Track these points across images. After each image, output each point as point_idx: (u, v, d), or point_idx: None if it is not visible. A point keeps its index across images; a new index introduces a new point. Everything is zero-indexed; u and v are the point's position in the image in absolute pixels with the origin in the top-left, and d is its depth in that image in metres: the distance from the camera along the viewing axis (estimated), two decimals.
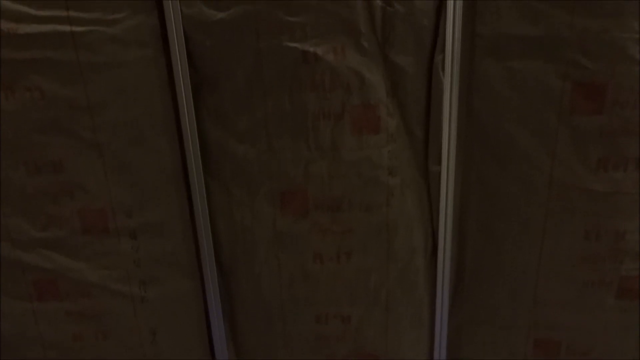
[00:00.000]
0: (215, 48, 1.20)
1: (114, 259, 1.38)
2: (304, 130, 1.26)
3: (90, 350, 1.48)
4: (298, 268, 1.41)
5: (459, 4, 1.18)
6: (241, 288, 1.47)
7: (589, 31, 1.14)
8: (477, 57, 1.24)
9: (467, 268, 1.46)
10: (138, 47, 1.20)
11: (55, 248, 1.36)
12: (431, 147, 1.32)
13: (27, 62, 1.18)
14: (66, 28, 1.15)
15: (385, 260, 1.40)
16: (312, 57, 1.19)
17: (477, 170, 1.34)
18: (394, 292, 1.45)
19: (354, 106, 1.24)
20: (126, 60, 1.20)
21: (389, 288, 1.44)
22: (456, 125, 1.29)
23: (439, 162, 1.32)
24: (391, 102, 1.26)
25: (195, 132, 1.28)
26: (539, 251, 1.37)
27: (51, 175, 1.29)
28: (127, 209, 1.34)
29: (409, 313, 1.47)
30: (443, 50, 1.21)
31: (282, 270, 1.42)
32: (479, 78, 1.25)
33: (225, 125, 1.28)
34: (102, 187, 1.31)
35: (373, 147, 1.29)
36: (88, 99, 1.23)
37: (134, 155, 1.29)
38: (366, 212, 1.35)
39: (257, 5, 1.15)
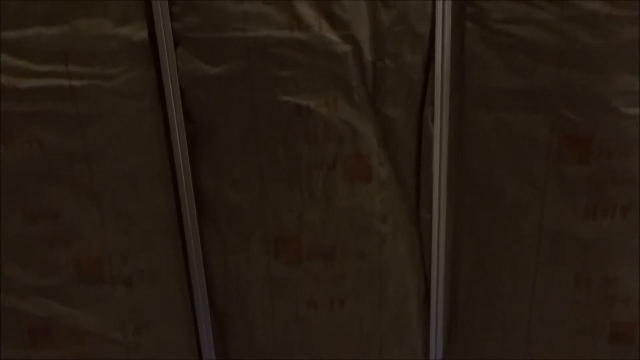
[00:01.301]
0: (211, 101, 1.23)
1: (109, 306, 1.38)
2: (297, 179, 1.28)
3: None
4: (292, 314, 1.42)
5: (447, 59, 1.22)
6: (235, 333, 1.47)
7: (574, 85, 1.17)
8: (466, 108, 1.27)
9: (459, 313, 1.47)
10: (135, 99, 1.23)
11: (50, 296, 1.36)
12: (422, 195, 1.34)
13: (27, 115, 1.20)
14: (65, 82, 1.18)
15: (378, 307, 1.41)
16: (305, 110, 1.22)
17: (468, 217, 1.37)
18: (387, 338, 1.45)
19: (347, 156, 1.27)
20: (123, 111, 1.23)
21: (382, 334, 1.44)
22: (446, 174, 1.32)
23: (430, 210, 1.34)
24: (383, 152, 1.29)
25: (190, 181, 1.30)
26: (531, 297, 1.38)
27: (47, 224, 1.30)
28: (122, 256, 1.35)
29: (402, 359, 1.48)
30: (432, 103, 1.25)
31: (275, 316, 1.42)
32: (469, 128, 1.29)
33: (220, 173, 1.30)
34: (98, 234, 1.33)
35: (365, 196, 1.31)
36: (86, 149, 1.25)
37: (130, 203, 1.30)
38: (359, 258, 1.37)
39: (251, 61, 1.18)
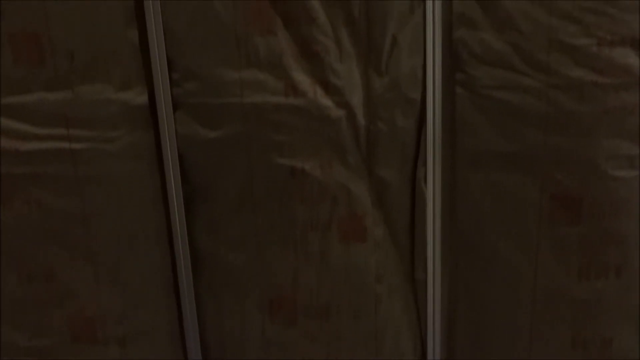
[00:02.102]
0: (208, 163, 1.26)
1: None
2: (293, 239, 1.29)
3: None
4: None
5: (439, 123, 1.25)
6: None
7: (562, 149, 1.21)
8: (458, 170, 1.30)
9: None
10: (134, 161, 1.25)
11: (42, 357, 1.35)
12: (417, 255, 1.35)
13: (26, 177, 1.22)
14: (66, 145, 1.21)
15: None
16: (300, 172, 1.24)
17: (462, 278, 1.37)
18: None
19: (342, 217, 1.29)
20: (122, 173, 1.25)
21: None
22: (440, 235, 1.33)
23: (425, 270, 1.35)
24: (377, 213, 1.31)
25: (187, 242, 1.31)
26: (528, 358, 1.37)
27: (43, 284, 1.30)
28: (116, 316, 1.34)
29: None
30: (425, 164, 1.28)
31: None
32: (461, 189, 1.31)
33: (216, 234, 1.32)
34: (92, 295, 1.32)
35: (360, 256, 1.32)
36: (84, 210, 1.27)
37: (125, 263, 1.31)
38: (354, 319, 1.36)
39: (248, 125, 1.22)
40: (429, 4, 1.18)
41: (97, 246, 1.29)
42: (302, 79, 1.19)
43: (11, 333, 1.34)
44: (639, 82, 1.14)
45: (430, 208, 1.30)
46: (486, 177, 1.28)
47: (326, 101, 1.20)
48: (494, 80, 1.20)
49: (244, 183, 1.26)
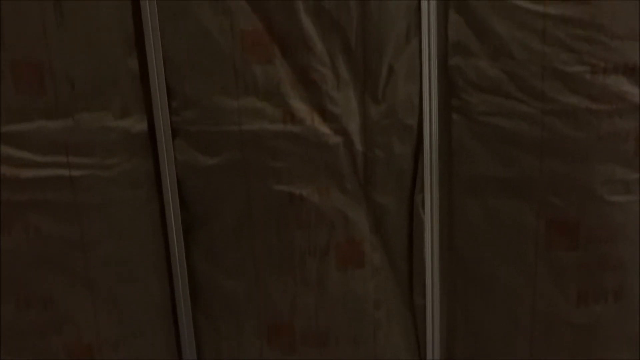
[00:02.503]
0: (206, 190, 1.27)
1: None
2: (290, 265, 1.30)
3: None
4: None
5: (435, 149, 1.26)
6: None
7: (557, 174, 1.21)
8: (455, 195, 1.31)
9: None
10: (133, 188, 1.26)
11: None
12: (415, 281, 1.35)
13: (26, 203, 1.22)
14: (65, 172, 1.22)
15: None
16: (298, 198, 1.25)
17: (461, 302, 1.37)
18: None
19: (339, 242, 1.29)
20: (121, 200, 1.26)
21: None
22: (439, 260, 1.33)
23: (424, 296, 1.35)
24: (375, 238, 1.31)
25: (185, 269, 1.31)
26: None
27: (41, 311, 1.30)
28: (114, 343, 1.33)
29: None
30: (423, 190, 1.29)
31: None
32: (458, 215, 1.31)
33: (214, 261, 1.32)
34: (90, 322, 1.32)
35: (358, 281, 1.32)
36: (82, 237, 1.27)
37: (123, 290, 1.30)
38: (353, 345, 1.35)
39: (246, 153, 1.23)
40: (424, 33, 1.20)
41: (95, 273, 1.29)
42: (300, 107, 1.21)
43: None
44: (632, 108, 1.16)
45: (428, 233, 1.31)
46: (483, 203, 1.28)
47: (324, 128, 1.22)
48: (489, 107, 1.22)
49: (242, 209, 1.27)
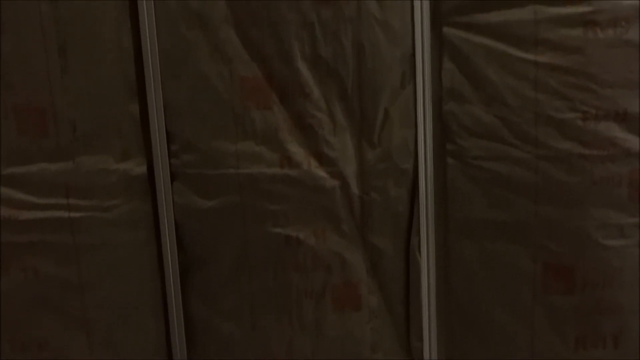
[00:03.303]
0: (204, 233, 1.27)
1: None
2: (287, 308, 1.29)
3: None
4: None
5: (431, 192, 1.28)
6: None
7: (552, 219, 1.22)
8: (451, 238, 1.31)
9: None
10: (131, 230, 1.27)
11: None
12: (412, 324, 1.34)
13: (24, 245, 1.24)
14: (65, 214, 1.23)
15: None
16: (294, 241, 1.26)
17: (458, 346, 1.35)
18: None
19: (336, 285, 1.29)
20: (119, 241, 1.27)
21: None
22: (436, 303, 1.33)
23: (421, 338, 1.34)
24: (372, 281, 1.31)
25: (181, 312, 1.31)
26: None
27: (35, 353, 1.29)
28: None
29: None
30: (419, 233, 1.29)
31: None
32: (455, 258, 1.31)
33: (211, 304, 1.31)
34: None
35: (355, 324, 1.31)
36: (80, 279, 1.27)
37: (120, 333, 1.30)
38: None
39: (243, 196, 1.24)
40: (419, 79, 1.23)
41: (91, 315, 1.29)
42: (297, 151, 1.22)
43: None
44: (624, 154, 1.18)
45: (424, 276, 1.31)
46: (479, 246, 1.29)
47: (320, 172, 1.23)
48: (484, 152, 1.24)
49: (239, 252, 1.27)
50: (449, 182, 1.27)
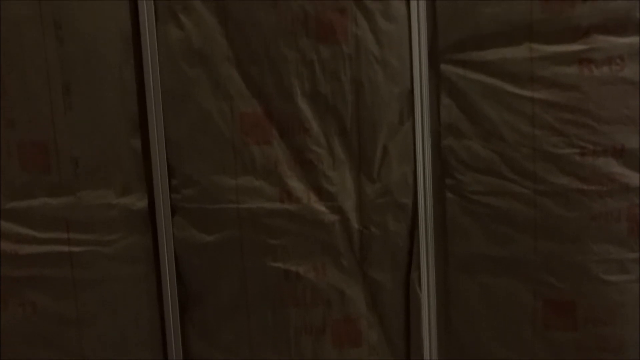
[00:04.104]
0: (203, 267, 1.27)
1: None
2: (286, 344, 1.28)
3: None
4: None
5: (430, 227, 1.28)
6: None
7: (552, 254, 1.22)
8: (451, 273, 1.31)
9: None
10: (130, 264, 1.27)
11: None
12: (413, 359, 1.33)
13: (23, 280, 1.24)
14: (65, 248, 1.24)
15: None
16: (294, 276, 1.26)
17: None
18: None
19: (335, 320, 1.28)
20: (118, 276, 1.27)
21: None
22: (436, 338, 1.32)
23: None
24: (372, 316, 1.30)
25: (180, 346, 1.30)
26: None
27: None
28: None
29: None
30: (418, 268, 1.29)
31: None
32: (455, 293, 1.31)
33: (209, 338, 1.31)
34: None
35: None
36: (78, 313, 1.26)
37: None
38: None
39: (243, 230, 1.25)
40: (417, 115, 1.24)
41: (89, 349, 1.28)
42: (297, 186, 1.23)
43: None
44: (623, 189, 1.18)
45: (425, 311, 1.30)
46: (479, 281, 1.28)
47: (320, 206, 1.24)
48: (482, 186, 1.24)
49: (238, 286, 1.27)
50: (449, 216, 1.28)
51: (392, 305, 1.30)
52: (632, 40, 1.14)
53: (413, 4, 1.20)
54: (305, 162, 1.23)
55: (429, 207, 1.27)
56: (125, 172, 1.24)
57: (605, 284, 1.21)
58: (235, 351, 1.29)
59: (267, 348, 1.28)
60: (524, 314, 1.25)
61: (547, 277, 1.23)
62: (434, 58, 1.24)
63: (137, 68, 1.23)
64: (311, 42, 1.19)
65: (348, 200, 1.25)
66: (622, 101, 1.16)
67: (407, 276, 1.30)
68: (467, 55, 1.21)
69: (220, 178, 1.23)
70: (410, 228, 1.28)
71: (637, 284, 1.21)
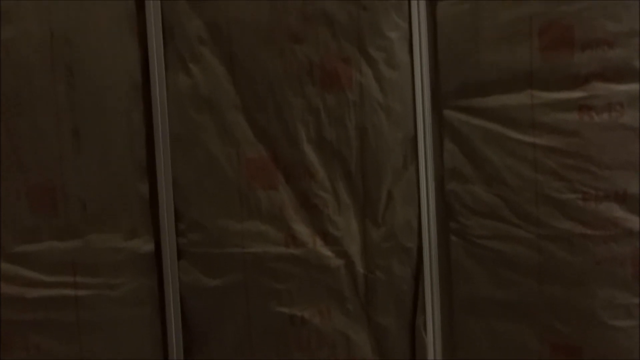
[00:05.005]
0: (208, 310, 1.27)
1: None
2: None
3: None
4: None
5: (435, 270, 1.28)
6: None
7: (557, 298, 1.22)
8: (456, 317, 1.31)
9: None
10: (136, 307, 1.27)
11: None
12: None
13: (28, 323, 1.24)
14: (71, 292, 1.24)
15: None
16: (299, 320, 1.25)
17: None
18: None
19: None
20: (123, 319, 1.27)
21: None
22: None
23: None
24: None
25: None
26: None
27: None
28: None
29: None
30: (424, 312, 1.29)
31: None
32: (461, 337, 1.30)
33: None
34: None
35: None
36: (82, 356, 1.25)
37: None
38: None
39: (248, 274, 1.25)
40: (421, 160, 1.26)
41: None
42: (302, 230, 1.24)
43: None
44: (627, 234, 1.18)
45: (430, 355, 1.29)
46: (485, 325, 1.28)
47: (325, 251, 1.25)
48: (486, 230, 1.25)
49: (242, 331, 1.27)
50: (453, 260, 1.29)
51: (397, 349, 1.29)
52: (631, 87, 1.17)
53: (416, 52, 1.24)
54: (310, 206, 1.24)
55: (434, 251, 1.28)
56: (132, 216, 1.25)
57: (612, 329, 1.20)
58: None
59: None
60: (530, 358, 1.24)
61: (553, 321, 1.22)
62: (437, 104, 1.27)
63: (146, 113, 1.26)
64: (316, 90, 1.22)
65: (353, 245, 1.26)
66: (623, 147, 1.18)
67: (412, 320, 1.30)
68: (469, 101, 1.24)
69: (227, 222, 1.24)
70: (415, 272, 1.28)
71: None
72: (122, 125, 1.24)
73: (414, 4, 1.24)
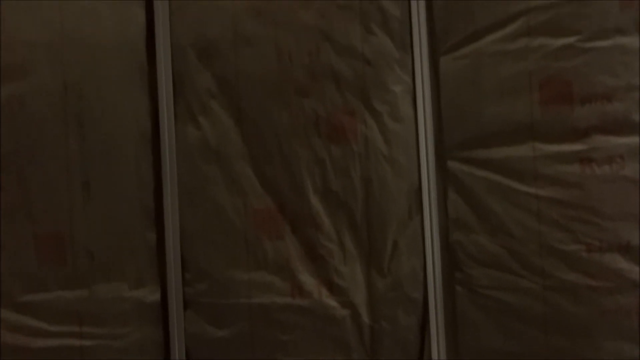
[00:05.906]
0: None
1: None
2: None
3: None
4: None
5: (441, 320, 1.28)
6: None
7: (563, 350, 1.21)
8: None
9: None
10: (140, 357, 1.26)
11: None
12: None
13: None
14: (77, 342, 1.23)
15: None
16: None
17: None
18: None
19: None
20: None
21: None
22: None
23: None
24: None
25: None
26: None
27: None
28: None
29: None
30: None
31: None
32: None
33: None
34: None
35: None
36: None
37: None
38: None
39: (254, 325, 1.25)
40: (426, 211, 1.28)
41: None
42: (308, 280, 1.25)
43: None
44: (631, 285, 1.19)
45: None
46: None
47: (331, 301, 1.25)
48: (491, 281, 1.26)
49: None
50: (459, 311, 1.28)
51: None
52: (631, 140, 1.19)
53: (419, 105, 1.27)
54: (316, 257, 1.25)
55: (440, 301, 1.28)
56: (139, 265, 1.26)
57: None
58: None
59: None
60: None
61: None
62: (441, 155, 1.29)
63: (155, 164, 1.28)
64: (322, 142, 1.25)
65: (359, 295, 1.26)
66: (625, 198, 1.19)
67: None
68: (472, 153, 1.26)
69: (233, 272, 1.25)
70: (421, 322, 1.28)
71: None
72: (131, 175, 1.26)
73: (417, 58, 1.28)
